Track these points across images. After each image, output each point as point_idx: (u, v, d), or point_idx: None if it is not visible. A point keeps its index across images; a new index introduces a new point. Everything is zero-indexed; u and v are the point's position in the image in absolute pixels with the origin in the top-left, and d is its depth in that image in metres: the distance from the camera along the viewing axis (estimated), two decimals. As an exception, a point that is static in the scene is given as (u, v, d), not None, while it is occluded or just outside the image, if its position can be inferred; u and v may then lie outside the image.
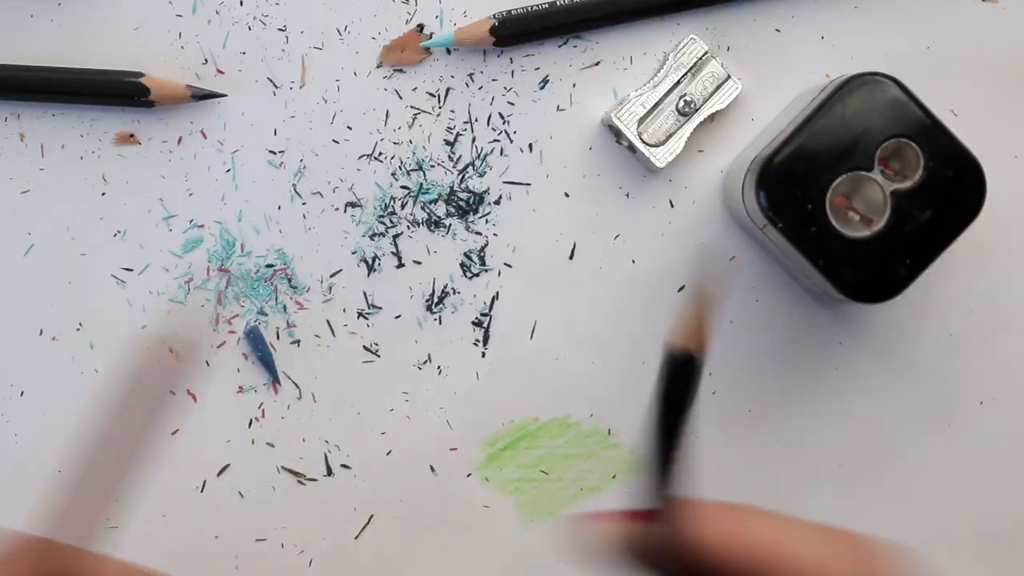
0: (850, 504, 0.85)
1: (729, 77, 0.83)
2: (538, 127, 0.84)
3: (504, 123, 0.84)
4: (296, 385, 0.85)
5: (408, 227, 0.84)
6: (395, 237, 0.84)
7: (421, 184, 0.84)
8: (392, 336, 0.84)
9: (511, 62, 0.84)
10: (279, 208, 0.84)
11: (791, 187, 0.76)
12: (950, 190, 0.77)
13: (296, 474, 0.85)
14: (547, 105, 0.84)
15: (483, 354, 0.85)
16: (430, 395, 0.85)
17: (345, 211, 0.84)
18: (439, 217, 0.84)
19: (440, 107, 0.84)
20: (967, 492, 0.85)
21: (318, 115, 0.84)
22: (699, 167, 0.84)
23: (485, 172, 0.84)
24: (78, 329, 0.84)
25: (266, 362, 0.84)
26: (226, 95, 0.84)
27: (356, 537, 0.85)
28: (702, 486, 0.86)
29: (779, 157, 0.76)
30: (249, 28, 0.84)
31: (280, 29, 0.84)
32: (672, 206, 0.85)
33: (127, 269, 0.84)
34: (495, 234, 0.84)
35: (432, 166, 0.84)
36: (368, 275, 0.84)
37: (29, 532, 0.69)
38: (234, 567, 0.85)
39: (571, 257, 0.85)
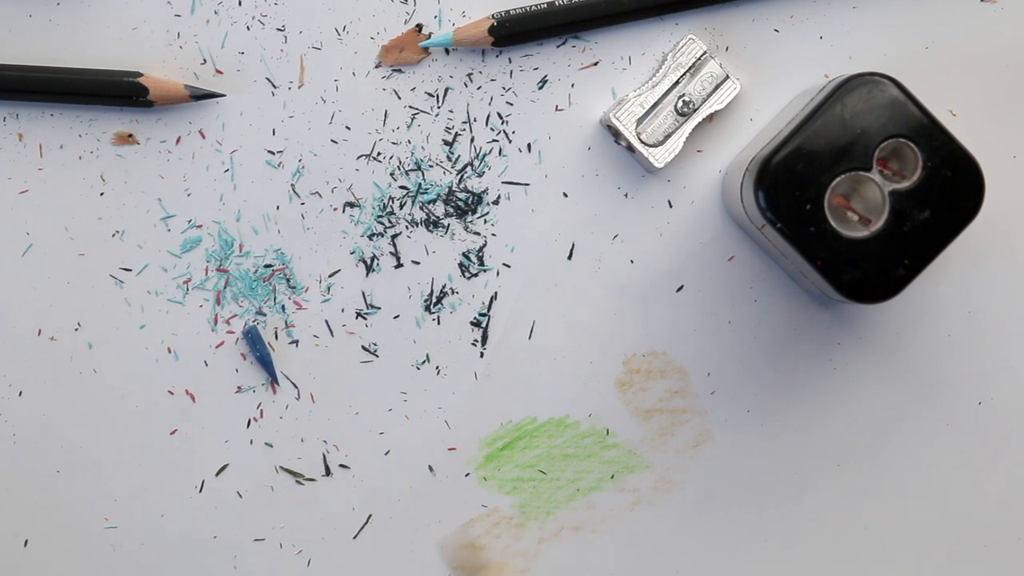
0: (848, 504, 0.85)
1: (728, 77, 0.83)
2: (537, 127, 0.84)
3: (503, 123, 0.84)
4: (294, 385, 0.85)
5: (407, 227, 0.84)
6: (394, 237, 0.84)
7: (420, 184, 0.84)
8: (390, 336, 0.84)
9: (510, 62, 0.84)
10: (277, 208, 0.84)
11: (790, 187, 0.76)
12: (949, 190, 0.77)
13: (295, 474, 0.85)
14: (546, 105, 0.84)
15: (481, 354, 0.85)
16: (428, 395, 0.85)
17: (344, 211, 0.84)
18: (437, 217, 0.84)
19: (439, 107, 0.84)
20: (966, 492, 0.85)
21: (317, 115, 0.84)
22: (698, 167, 0.84)
23: (484, 172, 0.84)
24: (76, 329, 0.84)
25: (264, 362, 0.84)
26: (224, 95, 0.84)
27: (355, 537, 0.85)
28: (700, 487, 0.86)
29: (778, 157, 0.76)
30: (248, 28, 0.84)
31: (279, 29, 0.84)
32: (671, 206, 0.85)
33: (125, 269, 0.84)
34: (493, 234, 0.84)
35: (431, 166, 0.84)
36: (367, 275, 0.84)
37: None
38: (233, 567, 0.85)
39: (569, 257, 0.85)
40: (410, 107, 0.84)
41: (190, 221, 0.84)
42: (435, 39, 0.84)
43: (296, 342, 0.84)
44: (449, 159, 0.84)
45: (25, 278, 0.84)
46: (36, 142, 0.84)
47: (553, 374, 0.85)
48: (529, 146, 0.84)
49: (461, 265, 0.84)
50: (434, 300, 0.84)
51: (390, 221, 0.84)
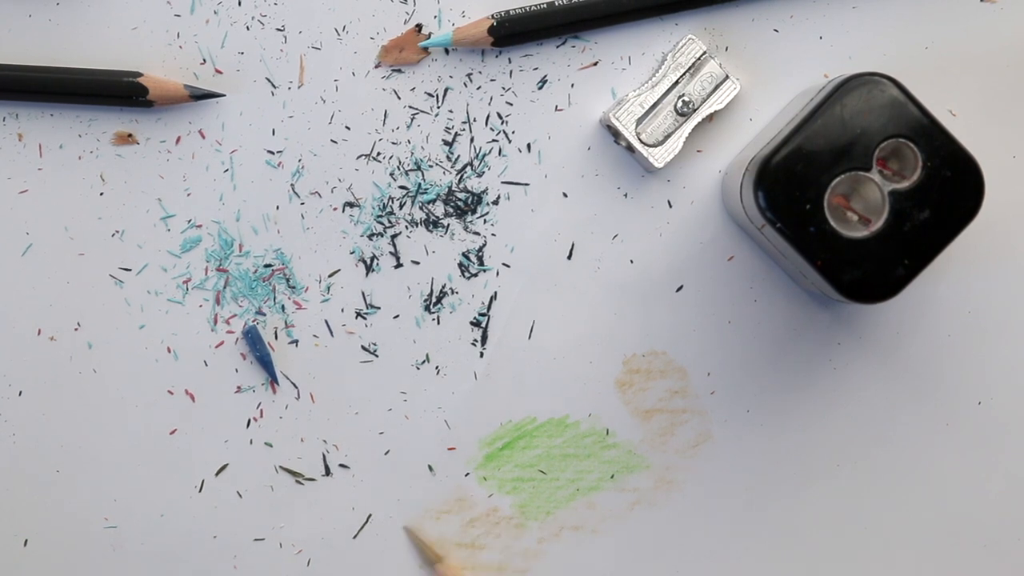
0: (848, 504, 0.85)
1: (727, 77, 0.83)
2: (536, 127, 0.84)
3: (502, 123, 0.84)
4: (294, 385, 0.85)
5: (406, 227, 0.84)
6: (393, 237, 0.84)
7: (419, 184, 0.84)
8: (390, 336, 0.84)
9: (509, 62, 0.84)
10: (277, 208, 0.84)
11: (789, 187, 0.76)
12: (948, 190, 0.77)
13: (294, 474, 0.85)
14: (545, 105, 0.84)
15: (481, 354, 0.85)
16: (428, 395, 0.85)
17: (343, 211, 0.84)
18: (437, 217, 0.84)
19: (438, 107, 0.84)
20: (966, 492, 0.85)
21: (316, 115, 0.84)
22: (697, 167, 0.84)
23: (483, 172, 0.84)
24: (76, 329, 0.84)
25: (264, 362, 0.84)
26: (224, 95, 0.84)
27: (354, 537, 0.85)
28: (700, 487, 0.86)
29: (777, 157, 0.76)
30: (247, 28, 0.84)
31: (278, 29, 0.84)
32: (670, 206, 0.85)
33: (125, 269, 0.84)
34: (493, 234, 0.84)
35: (430, 166, 0.84)
36: (366, 275, 0.84)
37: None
38: (232, 567, 0.85)
39: (569, 257, 0.85)
40: (410, 107, 0.84)
41: (190, 221, 0.84)
42: (435, 39, 0.84)
43: (296, 342, 0.84)
44: (449, 159, 0.84)
45: (25, 278, 0.84)
46: (36, 142, 0.84)
47: (553, 374, 0.85)
48: (529, 146, 0.84)
49: (461, 265, 0.84)
50: (434, 300, 0.84)
51: (390, 221, 0.84)
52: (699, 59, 0.83)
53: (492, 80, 0.84)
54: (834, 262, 0.77)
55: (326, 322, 0.84)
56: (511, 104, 0.84)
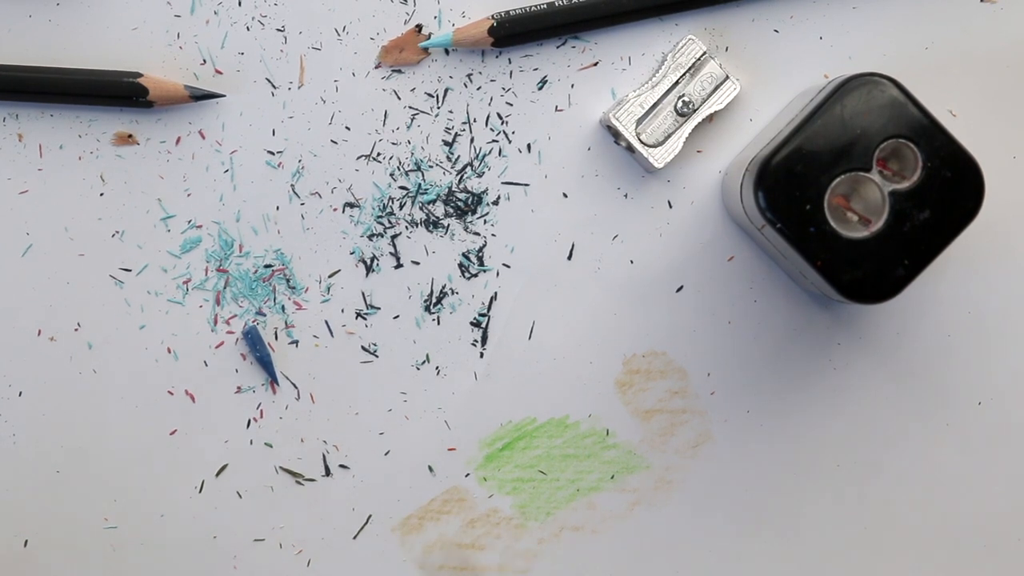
0: (848, 504, 0.85)
1: (727, 77, 0.83)
2: (536, 127, 0.84)
3: (502, 123, 0.84)
4: (294, 385, 0.85)
5: (406, 227, 0.84)
6: (393, 237, 0.84)
7: (419, 184, 0.84)
8: (390, 336, 0.85)
9: (509, 62, 0.84)
10: (277, 208, 0.84)
11: (789, 187, 0.76)
12: (948, 191, 0.77)
13: (294, 474, 0.85)
14: (545, 105, 0.84)
15: (481, 354, 0.85)
16: (428, 395, 0.85)
17: (343, 211, 0.84)
18: (437, 217, 0.84)
19: (438, 107, 0.84)
20: (966, 492, 0.85)
21: (316, 115, 0.84)
22: (697, 168, 0.84)
23: (483, 172, 0.84)
24: (76, 329, 0.84)
25: (264, 362, 0.84)
26: (224, 95, 0.84)
27: (354, 537, 0.85)
28: (700, 487, 0.86)
29: (777, 157, 0.76)
30: (247, 28, 0.84)
31: (279, 29, 0.84)
32: (670, 207, 0.85)
33: (125, 269, 0.84)
34: (493, 234, 0.84)
35: (430, 166, 0.84)
36: (366, 275, 0.84)
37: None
38: (232, 567, 0.85)
39: (569, 257, 0.85)
40: (410, 107, 0.84)
41: (190, 221, 0.84)
42: (435, 39, 0.84)
43: (296, 342, 0.84)
44: (449, 159, 0.84)
45: (25, 278, 0.84)
46: (36, 142, 0.84)
47: (553, 374, 0.85)
48: (529, 146, 0.84)
49: (461, 265, 0.84)
50: (434, 300, 0.84)
51: (390, 221, 0.84)
52: (699, 59, 0.83)
53: (492, 80, 0.84)
54: (834, 262, 0.77)
55: (326, 322, 0.84)
56: (511, 104, 0.84)
